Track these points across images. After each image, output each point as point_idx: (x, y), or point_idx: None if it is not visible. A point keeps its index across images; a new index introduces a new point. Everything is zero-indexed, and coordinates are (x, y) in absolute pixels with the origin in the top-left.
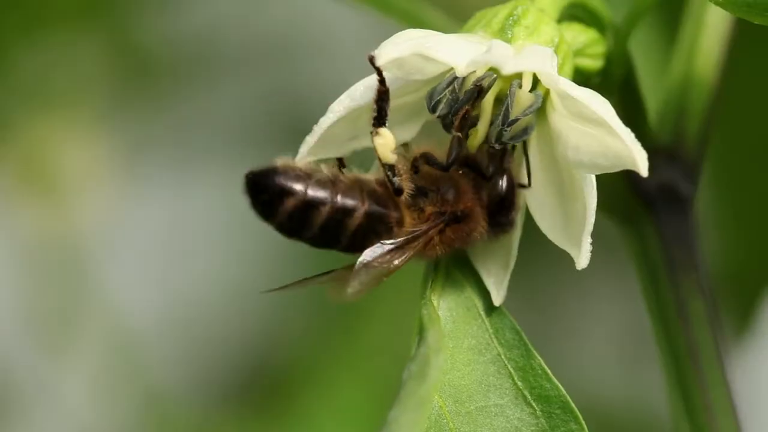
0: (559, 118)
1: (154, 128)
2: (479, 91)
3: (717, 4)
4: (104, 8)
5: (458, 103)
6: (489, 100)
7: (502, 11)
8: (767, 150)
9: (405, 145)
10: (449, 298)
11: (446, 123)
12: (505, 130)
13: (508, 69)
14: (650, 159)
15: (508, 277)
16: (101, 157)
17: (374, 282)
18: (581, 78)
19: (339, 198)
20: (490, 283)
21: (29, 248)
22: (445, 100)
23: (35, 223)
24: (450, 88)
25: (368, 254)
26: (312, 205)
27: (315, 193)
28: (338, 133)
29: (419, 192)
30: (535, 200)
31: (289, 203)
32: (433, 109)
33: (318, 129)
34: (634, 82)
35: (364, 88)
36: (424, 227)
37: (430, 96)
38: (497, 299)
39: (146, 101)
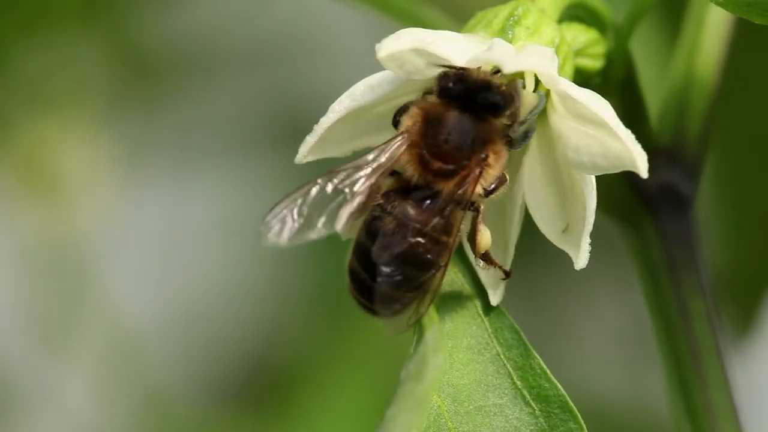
0: (559, 118)
1: (154, 128)
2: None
3: (717, 4)
4: (104, 8)
5: None
6: None
7: (503, 11)
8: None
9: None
10: (448, 298)
11: None
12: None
13: (509, 67)
14: (651, 159)
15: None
16: (101, 157)
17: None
18: (582, 78)
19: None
20: (487, 282)
21: (29, 248)
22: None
23: (35, 223)
24: None
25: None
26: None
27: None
28: (339, 133)
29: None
30: (534, 200)
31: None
32: None
33: (318, 129)
34: (634, 82)
35: (365, 88)
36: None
37: None
38: (494, 299)
39: (146, 101)
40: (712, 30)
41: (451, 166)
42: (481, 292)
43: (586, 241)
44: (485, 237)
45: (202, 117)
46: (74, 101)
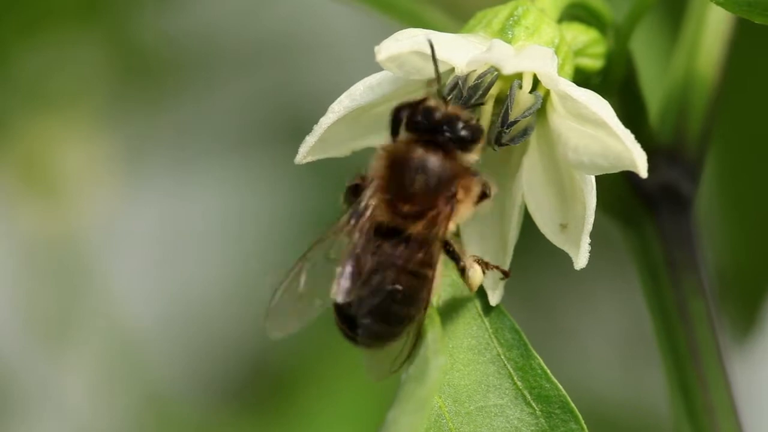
0: (559, 118)
1: (154, 128)
2: (483, 88)
3: (717, 3)
4: (104, 8)
5: (465, 102)
6: (488, 101)
7: (503, 11)
8: None
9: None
10: (448, 298)
11: None
12: (505, 132)
13: (508, 68)
14: (651, 159)
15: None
16: (101, 157)
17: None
18: (582, 78)
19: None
20: (486, 283)
21: (29, 248)
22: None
23: (35, 223)
24: (456, 91)
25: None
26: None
27: None
28: (338, 133)
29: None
30: (534, 200)
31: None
32: None
33: (318, 129)
34: (634, 81)
35: (364, 88)
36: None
37: None
38: (494, 299)
39: (146, 101)
40: (712, 30)
41: (419, 208)
42: (481, 293)
43: (586, 240)
44: (476, 276)
45: (202, 117)
46: (74, 101)
